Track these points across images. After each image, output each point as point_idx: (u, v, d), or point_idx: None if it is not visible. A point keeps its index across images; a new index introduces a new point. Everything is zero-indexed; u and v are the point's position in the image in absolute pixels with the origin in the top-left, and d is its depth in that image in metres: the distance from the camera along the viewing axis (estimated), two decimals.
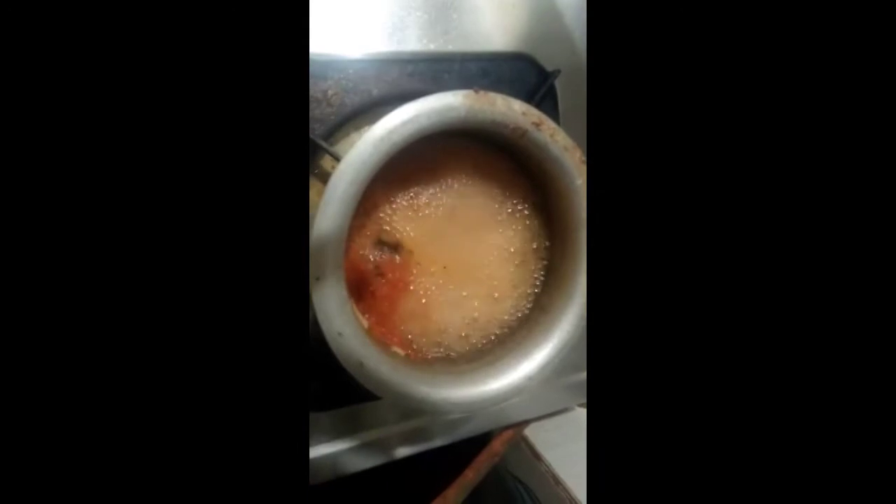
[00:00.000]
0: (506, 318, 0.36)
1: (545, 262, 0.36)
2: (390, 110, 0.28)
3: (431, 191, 0.34)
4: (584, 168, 0.32)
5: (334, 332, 0.28)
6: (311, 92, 0.32)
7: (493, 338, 0.36)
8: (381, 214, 0.33)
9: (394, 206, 0.33)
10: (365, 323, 0.32)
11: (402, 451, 0.38)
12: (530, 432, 0.47)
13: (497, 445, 0.43)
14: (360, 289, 0.33)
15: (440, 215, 0.34)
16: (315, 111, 0.32)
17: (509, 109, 0.30)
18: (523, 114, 0.31)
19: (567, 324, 0.34)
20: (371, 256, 0.33)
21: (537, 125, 0.31)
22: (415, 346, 0.34)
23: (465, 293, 0.35)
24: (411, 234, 0.33)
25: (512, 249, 0.36)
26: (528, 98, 0.36)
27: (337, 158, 0.31)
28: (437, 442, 0.40)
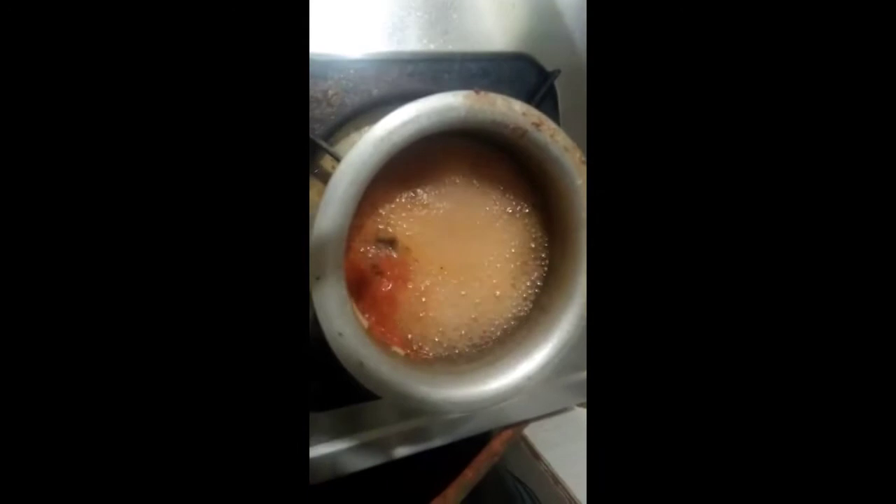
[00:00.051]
0: (506, 317, 0.36)
1: (545, 262, 0.36)
2: (390, 110, 0.28)
3: (432, 191, 0.34)
4: (584, 168, 0.33)
5: (334, 331, 0.28)
6: (312, 92, 0.32)
7: (493, 338, 0.36)
8: (382, 214, 0.33)
9: (394, 206, 0.33)
10: (365, 323, 0.32)
11: (402, 451, 0.38)
12: (530, 432, 0.47)
13: (497, 445, 0.43)
14: (360, 288, 0.33)
15: (440, 215, 0.34)
16: (315, 111, 0.32)
17: (509, 110, 0.30)
18: (523, 114, 0.31)
19: (567, 324, 0.34)
20: (370, 255, 0.33)
21: (537, 125, 0.31)
22: (415, 346, 0.34)
23: (465, 293, 0.35)
24: (411, 234, 0.33)
25: (512, 249, 0.36)
26: (529, 98, 0.36)
27: (337, 158, 0.31)
28: (437, 441, 0.40)
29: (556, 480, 0.45)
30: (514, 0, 0.37)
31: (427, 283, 0.34)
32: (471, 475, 0.41)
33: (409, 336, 0.34)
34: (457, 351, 0.35)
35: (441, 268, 0.34)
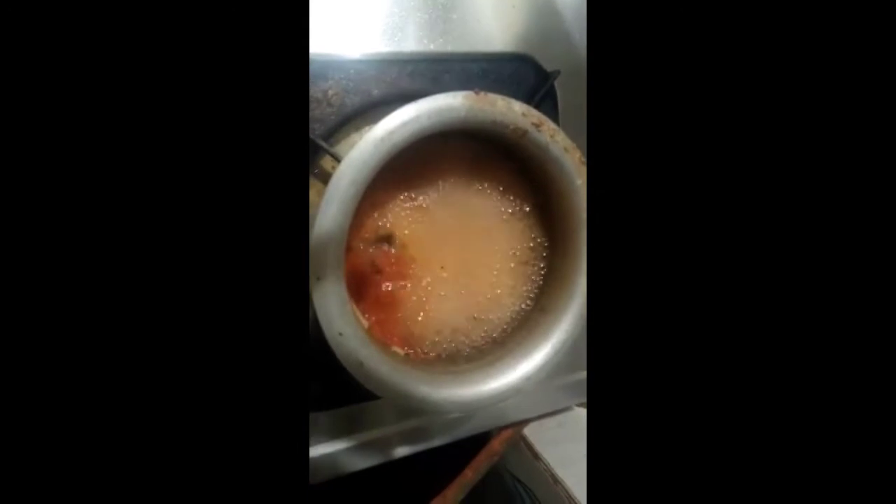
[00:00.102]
0: (505, 317, 0.36)
1: (545, 263, 0.36)
2: (390, 111, 0.28)
3: (431, 191, 0.34)
4: (583, 169, 0.33)
5: (335, 331, 0.28)
6: (312, 92, 0.32)
7: (492, 338, 0.36)
8: (382, 214, 0.33)
9: (394, 206, 0.33)
10: (365, 323, 0.32)
11: (402, 451, 0.39)
12: (529, 432, 0.47)
13: (496, 445, 0.43)
14: (360, 288, 0.33)
15: (440, 215, 0.34)
16: (315, 111, 0.32)
17: (509, 110, 0.30)
18: (523, 114, 0.31)
19: (566, 324, 0.34)
20: (370, 255, 0.33)
21: (537, 126, 0.31)
22: (415, 346, 0.34)
23: (465, 293, 0.35)
24: (411, 234, 0.33)
25: (512, 250, 0.36)
26: (528, 98, 0.36)
27: (337, 159, 0.31)
28: (437, 441, 0.40)
29: (556, 480, 0.45)
30: (514, 0, 0.37)
31: (427, 282, 0.34)
32: (470, 475, 0.41)
33: (409, 336, 0.34)
34: (456, 351, 0.35)
35: (441, 268, 0.34)
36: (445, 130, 0.30)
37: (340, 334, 0.28)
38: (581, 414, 0.48)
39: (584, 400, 0.47)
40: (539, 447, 0.47)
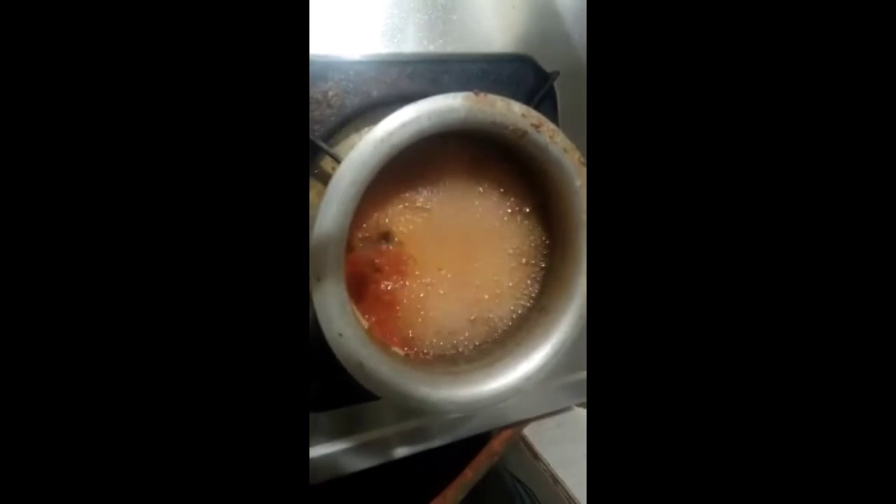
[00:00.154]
0: (505, 318, 0.36)
1: (544, 263, 0.36)
2: (390, 112, 0.29)
3: (431, 192, 0.34)
4: (583, 169, 0.33)
5: (335, 332, 0.28)
6: (311, 93, 0.32)
7: (492, 338, 0.36)
8: (381, 215, 0.33)
9: (394, 207, 0.33)
10: (365, 323, 0.32)
11: (402, 451, 0.39)
12: (529, 432, 0.47)
13: (496, 445, 0.43)
14: (360, 289, 0.33)
15: (440, 216, 0.34)
16: (315, 112, 0.32)
17: (509, 111, 0.31)
18: (523, 115, 0.31)
19: (566, 325, 0.34)
20: (369, 253, 0.33)
21: (537, 127, 0.31)
22: (414, 347, 0.34)
23: (464, 294, 0.35)
24: (412, 235, 0.34)
25: (511, 250, 0.36)
26: (528, 99, 0.36)
27: (337, 160, 0.31)
28: (437, 442, 0.40)
29: (556, 480, 0.45)
30: (514, 1, 0.37)
31: (427, 283, 0.34)
32: (470, 475, 0.41)
33: (409, 336, 0.34)
34: (456, 351, 0.35)
35: (441, 268, 0.34)
36: (445, 131, 0.30)
37: (340, 335, 0.28)
38: (581, 414, 0.48)
39: (584, 400, 0.47)
40: (539, 447, 0.47)
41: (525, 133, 0.31)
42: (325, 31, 0.32)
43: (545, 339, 0.34)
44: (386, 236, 0.33)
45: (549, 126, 0.32)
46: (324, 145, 0.32)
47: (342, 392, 0.34)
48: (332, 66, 0.32)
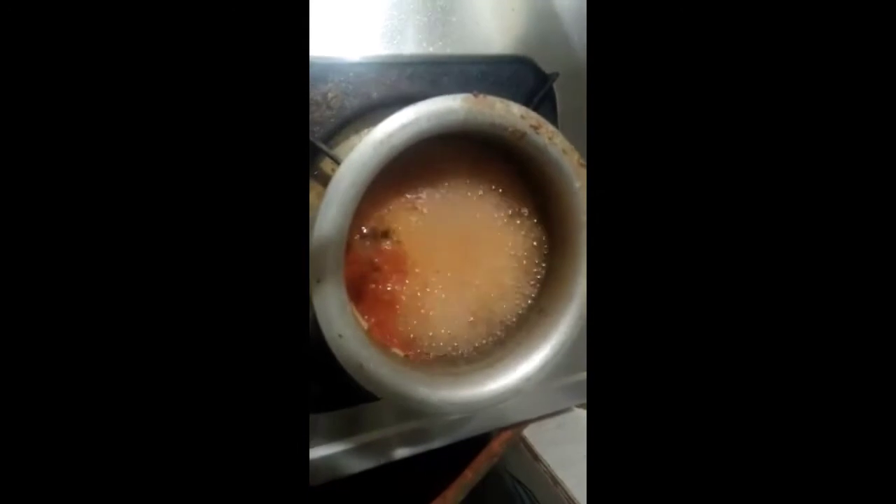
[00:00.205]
0: (505, 319, 0.36)
1: (544, 264, 0.36)
2: (390, 113, 0.29)
3: (431, 193, 0.34)
4: (582, 171, 0.33)
5: (334, 333, 0.28)
6: (311, 95, 0.32)
7: (492, 339, 0.36)
8: (381, 216, 0.33)
9: (393, 208, 0.33)
10: (365, 324, 0.32)
11: (402, 452, 0.39)
12: (529, 433, 0.47)
13: (496, 446, 0.43)
14: (360, 290, 0.33)
15: (440, 217, 0.34)
16: (315, 114, 0.32)
17: (508, 112, 0.31)
18: (522, 117, 0.31)
19: (565, 326, 0.34)
20: (368, 251, 0.33)
21: (536, 128, 0.31)
22: (414, 348, 0.34)
23: (464, 295, 0.35)
24: (411, 236, 0.34)
25: (511, 251, 0.36)
26: (527, 101, 0.36)
27: (337, 161, 0.31)
28: (437, 443, 0.40)
29: (556, 481, 0.45)
30: (513, 3, 0.37)
31: (426, 284, 0.34)
32: (470, 476, 0.41)
33: (409, 337, 0.34)
34: (456, 352, 0.35)
35: (440, 270, 0.34)
36: (444, 133, 0.30)
37: (340, 336, 0.28)
38: (581, 415, 0.48)
39: (584, 401, 0.47)
40: (539, 448, 0.47)
41: (524, 135, 0.31)
42: (325, 33, 0.32)
43: (545, 340, 0.34)
44: (385, 234, 0.33)
45: (548, 127, 0.32)
46: (323, 147, 0.32)
47: (342, 393, 0.34)
48: (332, 67, 0.32)
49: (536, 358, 0.33)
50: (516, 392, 0.33)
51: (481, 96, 0.30)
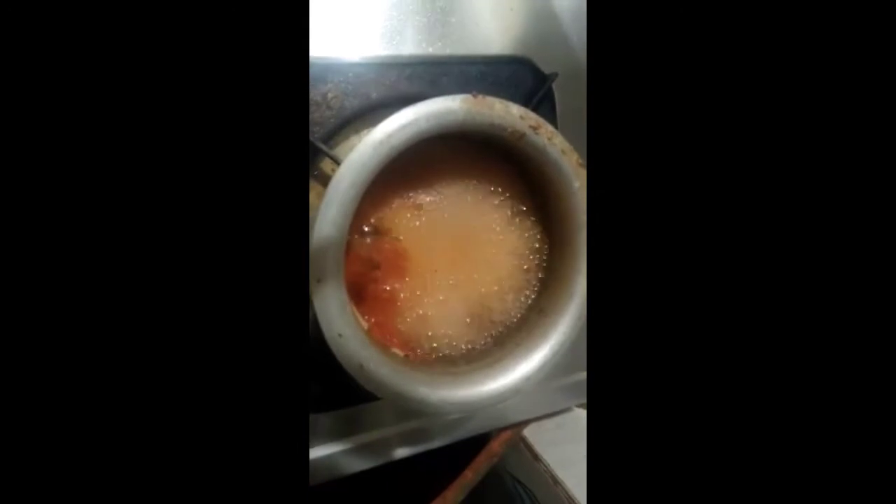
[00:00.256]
0: (504, 319, 0.36)
1: (543, 264, 0.36)
2: (389, 113, 0.29)
3: (430, 193, 0.34)
4: (581, 171, 0.33)
5: (335, 333, 0.28)
6: (311, 95, 0.32)
7: (492, 339, 0.36)
8: (381, 216, 0.33)
9: (393, 208, 0.33)
10: (365, 324, 0.32)
11: (402, 452, 0.39)
12: (529, 433, 0.47)
13: (496, 446, 0.43)
14: (360, 290, 0.33)
15: (439, 218, 0.34)
16: (315, 114, 0.32)
17: (507, 113, 0.31)
18: (521, 117, 0.31)
19: (565, 325, 0.34)
20: (367, 248, 0.33)
21: (535, 129, 0.31)
22: (415, 348, 0.34)
23: (464, 295, 0.35)
24: (411, 236, 0.34)
25: (510, 251, 0.36)
26: (526, 101, 0.36)
27: (337, 161, 0.31)
28: (437, 442, 0.40)
29: (556, 481, 0.45)
30: (512, 3, 0.37)
31: (426, 284, 0.34)
32: (470, 476, 0.41)
33: (409, 337, 0.34)
34: (456, 352, 0.35)
35: (440, 270, 0.34)
36: (444, 133, 0.30)
37: (340, 336, 0.29)
38: (580, 415, 0.48)
39: (584, 401, 0.47)
40: (539, 448, 0.47)
41: (523, 135, 0.31)
42: (325, 34, 0.32)
43: (544, 340, 0.34)
44: (384, 234, 0.33)
45: (547, 128, 0.32)
46: (323, 147, 0.32)
47: (342, 393, 0.34)
48: (332, 68, 0.32)
49: (536, 358, 0.34)
50: (516, 392, 0.33)
51: (480, 97, 0.30)
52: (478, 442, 0.43)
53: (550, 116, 0.38)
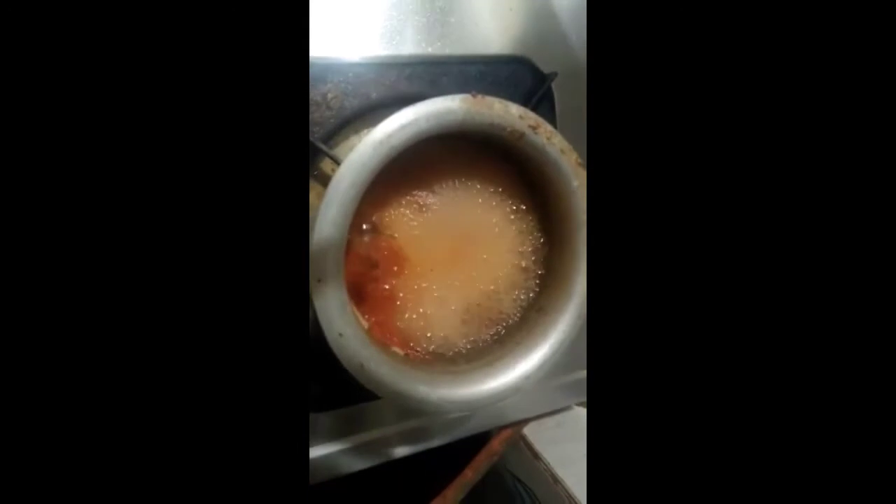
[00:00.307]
0: (504, 318, 0.36)
1: (543, 263, 0.37)
2: (389, 113, 0.29)
3: (430, 193, 0.34)
4: (580, 170, 0.33)
5: (335, 332, 0.28)
6: (311, 95, 0.32)
7: (491, 338, 0.36)
8: (381, 216, 0.33)
9: (392, 208, 0.34)
10: (365, 324, 0.32)
11: (402, 451, 0.39)
12: (529, 431, 0.47)
13: (496, 445, 0.43)
14: (360, 289, 0.33)
15: (439, 217, 0.34)
16: (315, 114, 0.32)
17: (506, 113, 0.31)
18: (520, 117, 0.31)
19: (565, 324, 0.34)
20: (367, 253, 0.33)
21: (534, 128, 0.31)
22: (414, 347, 0.34)
23: (463, 294, 0.35)
24: (411, 235, 0.34)
25: (510, 250, 0.36)
26: (526, 101, 0.36)
27: (336, 161, 0.31)
28: (437, 441, 0.40)
29: (556, 480, 0.45)
30: (511, 3, 0.38)
31: (426, 284, 0.34)
32: (470, 475, 0.42)
33: (409, 336, 0.34)
34: (456, 351, 0.35)
35: (440, 269, 0.34)
36: (443, 133, 0.30)
37: (341, 335, 0.29)
38: (580, 413, 0.48)
39: (584, 399, 0.47)
40: (539, 447, 0.48)
41: (523, 135, 0.31)
42: (325, 34, 0.32)
43: (544, 339, 0.34)
44: (384, 233, 0.33)
45: (546, 127, 0.32)
46: (323, 147, 0.32)
47: (342, 392, 0.34)
48: (332, 68, 0.32)
49: (536, 356, 0.34)
50: (516, 390, 0.33)
51: (480, 97, 0.30)
52: (478, 441, 0.43)
53: (549, 116, 0.38)
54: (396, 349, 0.34)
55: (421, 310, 0.34)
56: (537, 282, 0.37)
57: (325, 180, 0.33)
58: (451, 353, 0.35)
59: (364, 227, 0.33)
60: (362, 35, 0.33)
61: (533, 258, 0.36)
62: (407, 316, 0.34)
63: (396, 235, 0.33)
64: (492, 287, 0.36)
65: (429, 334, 0.34)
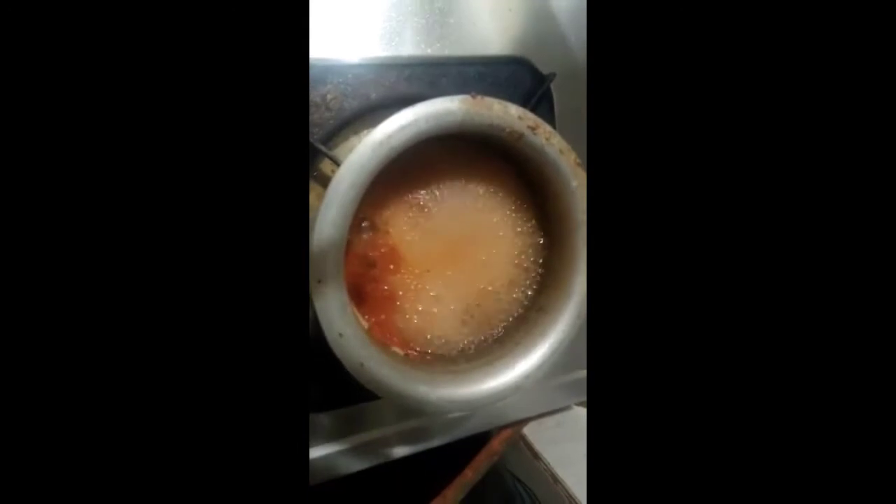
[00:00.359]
0: (504, 317, 0.36)
1: (543, 263, 0.37)
2: (388, 114, 0.29)
3: (429, 193, 0.34)
4: (579, 171, 0.33)
5: (335, 333, 0.29)
6: (311, 96, 0.32)
7: (491, 337, 0.36)
8: (380, 217, 0.33)
9: (392, 208, 0.34)
10: (365, 324, 0.32)
11: (402, 451, 0.39)
12: (529, 431, 0.47)
13: (496, 444, 0.43)
14: (359, 290, 0.33)
15: (439, 217, 0.34)
16: (314, 115, 0.32)
17: (506, 113, 0.31)
18: (519, 118, 0.31)
19: (564, 324, 0.34)
20: (367, 253, 0.33)
21: (533, 129, 0.32)
22: (414, 347, 0.34)
23: (463, 294, 0.35)
24: (410, 235, 0.34)
25: (509, 251, 0.36)
26: (525, 101, 0.36)
27: (336, 162, 0.31)
28: (437, 441, 0.40)
29: (556, 479, 0.45)
30: (510, 4, 0.38)
31: (426, 284, 0.34)
32: (470, 475, 0.42)
33: (409, 336, 0.34)
34: (456, 350, 0.35)
35: (439, 269, 0.34)
36: (443, 134, 0.30)
37: (341, 335, 0.29)
38: (580, 413, 0.48)
39: (584, 399, 0.47)
40: (539, 447, 0.48)
41: (522, 135, 0.32)
42: (324, 35, 0.32)
43: (544, 339, 0.34)
44: (383, 233, 0.33)
45: (545, 128, 0.32)
46: (323, 148, 0.32)
47: (342, 392, 0.34)
48: (331, 69, 0.32)
49: (535, 356, 0.34)
50: (515, 390, 0.33)
51: (479, 97, 0.30)
52: (478, 440, 0.43)
53: (549, 116, 0.38)
54: (396, 349, 0.34)
55: (421, 310, 0.34)
56: (537, 281, 0.37)
57: (324, 181, 0.33)
58: (450, 353, 0.35)
59: (363, 224, 0.33)
60: (362, 36, 0.33)
61: (532, 258, 0.37)
62: (407, 316, 0.34)
63: (401, 241, 0.33)
64: (491, 287, 0.36)
65: (428, 334, 0.35)
